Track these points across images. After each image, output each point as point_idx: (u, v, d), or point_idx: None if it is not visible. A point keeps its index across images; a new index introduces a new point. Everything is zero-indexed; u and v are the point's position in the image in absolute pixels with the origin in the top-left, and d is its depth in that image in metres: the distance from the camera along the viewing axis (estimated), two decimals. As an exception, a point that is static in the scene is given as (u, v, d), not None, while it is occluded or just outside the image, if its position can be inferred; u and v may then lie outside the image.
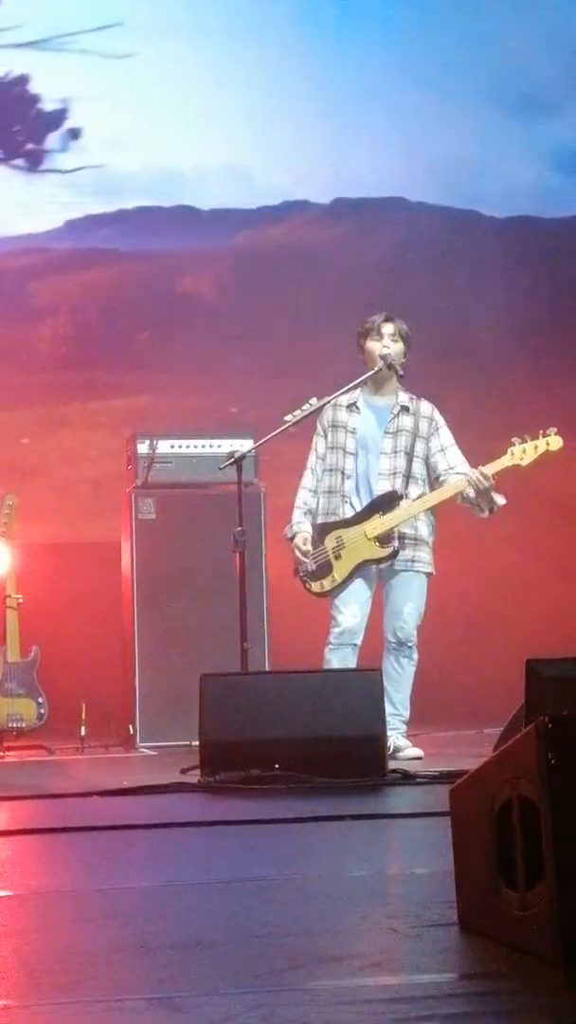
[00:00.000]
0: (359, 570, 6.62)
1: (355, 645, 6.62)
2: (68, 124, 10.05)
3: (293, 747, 5.57)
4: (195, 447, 7.98)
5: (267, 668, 7.52)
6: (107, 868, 3.92)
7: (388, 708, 6.38)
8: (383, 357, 6.64)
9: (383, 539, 6.60)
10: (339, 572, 6.62)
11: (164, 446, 7.94)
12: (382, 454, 6.72)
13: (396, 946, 2.70)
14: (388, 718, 6.33)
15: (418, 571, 6.67)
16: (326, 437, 6.78)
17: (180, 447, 7.98)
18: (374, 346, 6.72)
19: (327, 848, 4.09)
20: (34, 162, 10.11)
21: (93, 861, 4.02)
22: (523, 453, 6.59)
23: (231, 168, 9.99)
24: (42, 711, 7.48)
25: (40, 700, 7.49)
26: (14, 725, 7.44)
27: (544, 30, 10.25)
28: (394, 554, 6.60)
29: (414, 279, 9.60)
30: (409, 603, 6.64)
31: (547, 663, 2.99)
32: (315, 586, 6.67)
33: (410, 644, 6.61)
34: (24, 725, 7.45)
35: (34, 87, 10.00)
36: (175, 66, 9.86)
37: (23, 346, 9.65)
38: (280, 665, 7.54)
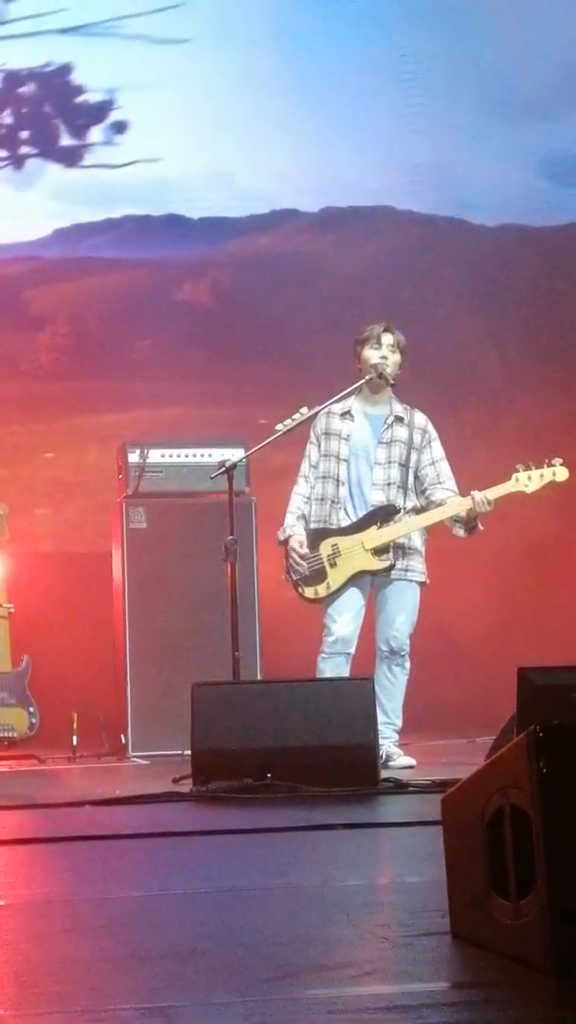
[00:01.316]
0: (353, 580, 6.61)
1: (348, 654, 6.61)
2: (112, 117, 9.87)
3: (285, 756, 5.57)
4: (186, 456, 7.98)
5: (259, 677, 7.52)
6: (99, 878, 3.91)
7: (380, 717, 6.38)
8: (374, 367, 6.62)
9: (380, 551, 6.60)
10: (333, 580, 6.60)
11: (155, 455, 7.94)
12: (376, 464, 6.71)
13: (388, 955, 2.70)
14: (380, 727, 6.32)
15: (411, 580, 6.67)
16: (319, 445, 6.76)
17: (171, 456, 7.97)
18: (371, 355, 6.70)
19: (319, 857, 4.09)
20: (75, 158, 9.98)
21: (85, 870, 4.02)
22: (528, 480, 6.60)
23: (217, 176, 10.00)
24: (33, 721, 7.47)
25: (31, 710, 7.48)
26: (5, 735, 7.42)
27: (533, 37, 10.24)
28: (390, 568, 6.60)
29: (405, 287, 9.61)
30: (402, 613, 6.63)
31: (539, 672, 3.00)
32: (308, 591, 6.64)
33: (403, 653, 6.61)
34: (15, 735, 7.44)
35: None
36: (160, 74, 9.87)
37: (15, 355, 9.64)
38: (272, 674, 7.54)
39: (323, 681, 6.36)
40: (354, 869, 3.89)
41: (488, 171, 10.16)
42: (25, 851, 4.41)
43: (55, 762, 7.38)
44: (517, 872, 2.50)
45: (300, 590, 6.66)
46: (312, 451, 6.77)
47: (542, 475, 6.61)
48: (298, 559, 6.61)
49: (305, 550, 6.61)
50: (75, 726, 7.49)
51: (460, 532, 6.64)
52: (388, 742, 6.45)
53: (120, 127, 10.02)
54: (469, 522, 6.59)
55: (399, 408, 6.77)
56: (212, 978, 2.54)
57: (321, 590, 6.61)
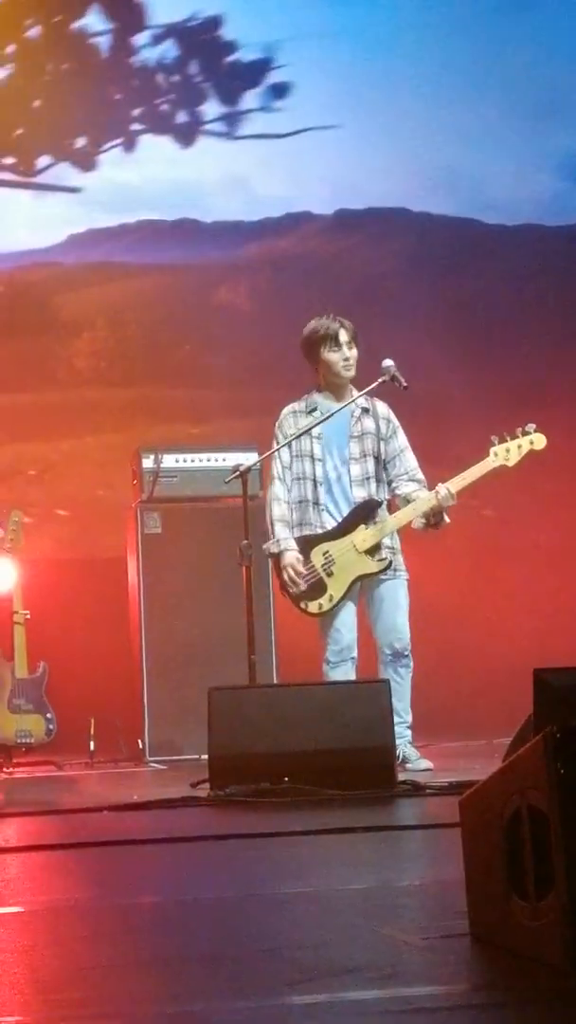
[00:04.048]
0: (354, 586, 6.53)
1: (354, 659, 6.54)
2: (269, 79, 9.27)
3: (302, 759, 5.57)
4: (200, 461, 7.99)
5: (275, 680, 7.52)
6: (117, 883, 3.92)
7: (394, 718, 6.37)
8: (386, 369, 6.53)
9: (373, 551, 6.51)
10: (335, 590, 6.48)
11: (169, 460, 7.95)
12: (351, 459, 6.61)
13: (408, 958, 2.70)
14: (395, 727, 6.32)
15: (400, 577, 6.58)
16: (290, 446, 6.63)
17: (185, 461, 7.98)
18: (334, 358, 6.60)
19: (338, 860, 4.09)
20: (232, 125, 9.48)
21: (103, 876, 4.02)
22: (507, 453, 6.45)
23: (230, 180, 9.98)
24: (51, 727, 7.47)
25: (49, 716, 7.48)
26: (23, 741, 7.43)
27: (551, 36, 10.22)
28: (388, 567, 6.52)
29: (425, 289, 9.59)
30: (400, 613, 6.55)
31: (555, 673, 2.99)
32: (312, 607, 6.50)
33: (406, 652, 6.52)
34: (33, 741, 7.45)
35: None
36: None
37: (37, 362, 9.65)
38: (288, 677, 7.54)
39: (339, 684, 6.34)
40: (373, 872, 3.89)
41: (506, 172, 10.14)
42: (43, 857, 4.41)
43: (73, 768, 7.39)
44: (536, 873, 2.49)
45: (302, 606, 6.53)
46: (283, 453, 6.64)
47: (519, 446, 6.46)
48: (295, 576, 6.49)
49: (302, 568, 6.51)
50: (92, 731, 7.50)
51: (419, 524, 6.49)
52: (403, 741, 6.41)
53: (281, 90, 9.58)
54: (434, 516, 6.44)
55: (362, 399, 6.65)
56: (233, 983, 2.54)
57: (325, 603, 6.49)
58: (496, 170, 10.14)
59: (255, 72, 9.60)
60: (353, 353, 6.62)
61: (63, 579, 8.59)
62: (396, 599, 6.56)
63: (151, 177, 9.82)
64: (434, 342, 9.29)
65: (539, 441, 6.49)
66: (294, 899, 3.43)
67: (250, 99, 9.71)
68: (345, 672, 6.51)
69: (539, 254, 10.07)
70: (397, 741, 6.30)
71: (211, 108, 9.71)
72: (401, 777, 5.80)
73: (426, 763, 6.41)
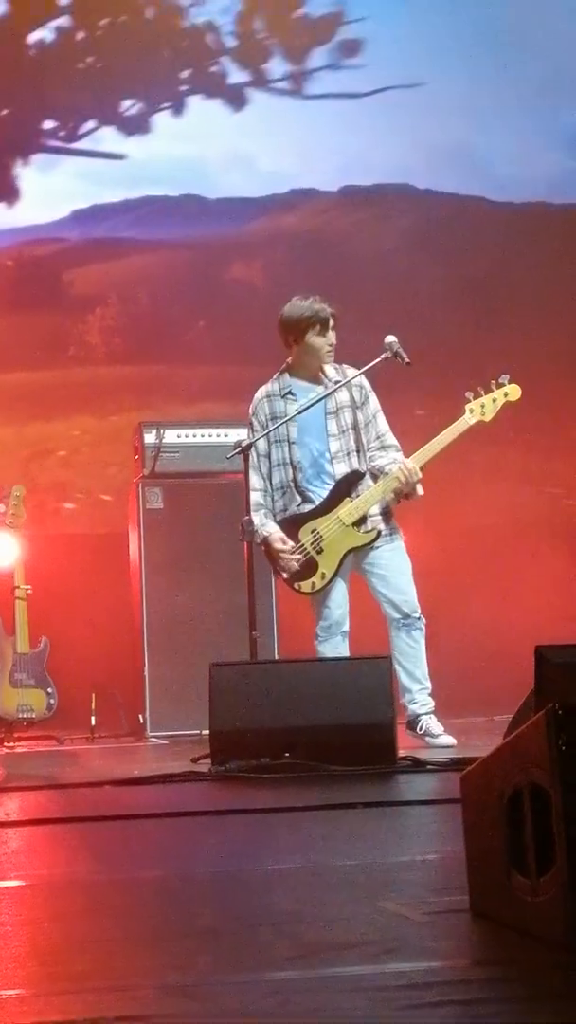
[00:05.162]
0: (345, 560, 6.51)
1: (344, 632, 6.53)
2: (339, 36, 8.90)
3: (304, 735, 5.58)
4: (202, 436, 7.99)
5: (276, 656, 7.53)
6: (119, 857, 3.92)
7: (413, 685, 6.38)
8: (389, 346, 6.49)
9: (360, 523, 6.48)
10: (327, 567, 6.46)
11: (171, 435, 7.95)
12: (330, 436, 6.56)
13: (409, 933, 2.70)
14: (415, 695, 6.37)
15: (395, 541, 6.54)
16: (267, 432, 6.58)
17: (187, 436, 7.98)
18: (319, 343, 6.54)
19: (339, 836, 4.10)
20: (298, 84, 9.13)
21: (105, 851, 4.03)
22: (483, 408, 6.41)
23: (235, 156, 9.94)
24: (52, 701, 7.49)
25: (50, 690, 7.50)
26: (24, 716, 7.45)
27: (560, 13, 10.17)
28: (377, 535, 6.49)
29: (431, 266, 9.57)
30: (403, 575, 6.52)
31: (557, 649, 2.99)
32: (305, 586, 6.49)
33: (417, 615, 6.49)
34: (34, 715, 7.46)
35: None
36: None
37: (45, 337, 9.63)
38: (289, 653, 7.55)
39: (341, 660, 6.34)
40: (374, 847, 3.89)
41: (512, 149, 10.10)
42: (45, 831, 4.42)
43: (74, 742, 7.40)
44: (537, 850, 2.50)
45: (296, 586, 6.52)
46: (260, 441, 6.58)
47: (494, 400, 6.41)
48: (286, 556, 6.47)
49: (289, 544, 6.48)
50: (94, 706, 7.52)
51: (391, 499, 6.47)
52: (427, 711, 6.38)
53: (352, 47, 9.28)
54: (404, 490, 6.39)
55: (332, 371, 6.62)
56: (233, 957, 2.55)
57: (317, 581, 6.47)
58: (503, 148, 10.10)
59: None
60: (334, 340, 6.60)
61: (65, 554, 8.60)
62: (393, 563, 6.53)
63: (156, 152, 9.79)
64: (439, 319, 9.28)
65: (514, 392, 6.44)
66: (294, 874, 3.44)
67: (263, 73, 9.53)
68: (334, 646, 6.49)
69: (546, 232, 10.03)
70: (419, 712, 6.31)
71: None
72: (423, 755, 5.77)
73: (449, 739, 6.36)
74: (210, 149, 9.85)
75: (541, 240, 10.00)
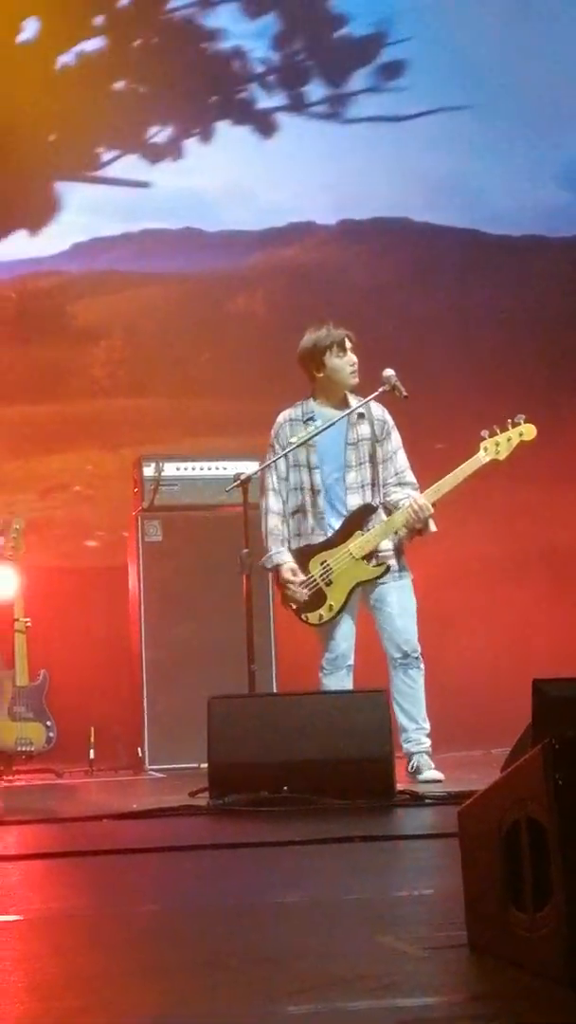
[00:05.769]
0: (354, 593, 6.51)
1: (349, 666, 6.53)
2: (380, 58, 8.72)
3: (301, 769, 5.58)
4: (201, 469, 8.01)
5: (275, 690, 7.53)
6: (117, 892, 3.92)
7: (410, 724, 6.37)
8: (387, 379, 6.52)
9: (370, 556, 6.48)
10: (335, 600, 6.46)
11: (170, 469, 7.97)
12: (347, 467, 6.57)
13: (406, 968, 2.70)
14: (411, 734, 6.34)
15: (403, 579, 6.55)
16: (287, 456, 6.60)
17: (186, 470, 8.00)
18: (340, 363, 6.56)
19: (336, 870, 4.09)
20: (336, 106, 8.91)
21: (103, 885, 4.02)
22: (497, 447, 6.41)
23: (234, 189, 9.97)
24: (51, 735, 7.48)
25: (49, 724, 7.49)
26: (23, 749, 7.44)
27: (553, 45, 10.22)
28: (387, 570, 6.50)
29: (431, 299, 9.59)
30: (405, 614, 6.52)
31: (554, 683, 3.00)
32: (312, 617, 6.49)
33: (416, 655, 6.49)
34: (33, 749, 7.46)
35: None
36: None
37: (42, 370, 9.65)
38: (287, 687, 7.54)
39: (339, 694, 6.34)
40: (371, 881, 3.89)
41: (508, 183, 10.13)
42: (43, 865, 4.42)
43: (72, 776, 7.40)
44: (534, 884, 2.50)
45: (303, 617, 6.52)
46: (279, 463, 6.61)
47: (509, 439, 6.40)
48: (295, 588, 6.47)
49: (300, 577, 6.48)
50: (92, 740, 7.52)
51: (403, 535, 6.49)
52: (420, 751, 6.38)
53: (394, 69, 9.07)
54: (416, 526, 6.41)
55: (355, 403, 6.62)
56: (231, 992, 2.55)
57: (325, 613, 6.47)
58: (501, 181, 10.14)
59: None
60: (355, 358, 6.61)
61: (64, 587, 8.60)
62: (399, 601, 6.53)
63: (156, 184, 9.83)
64: (438, 353, 9.30)
65: (529, 432, 6.43)
66: (292, 908, 3.44)
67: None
68: (339, 680, 6.50)
69: (544, 265, 10.06)
70: (413, 750, 6.30)
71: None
72: (410, 788, 5.78)
73: (436, 774, 6.35)
74: (210, 182, 9.89)
75: (539, 273, 10.03)
